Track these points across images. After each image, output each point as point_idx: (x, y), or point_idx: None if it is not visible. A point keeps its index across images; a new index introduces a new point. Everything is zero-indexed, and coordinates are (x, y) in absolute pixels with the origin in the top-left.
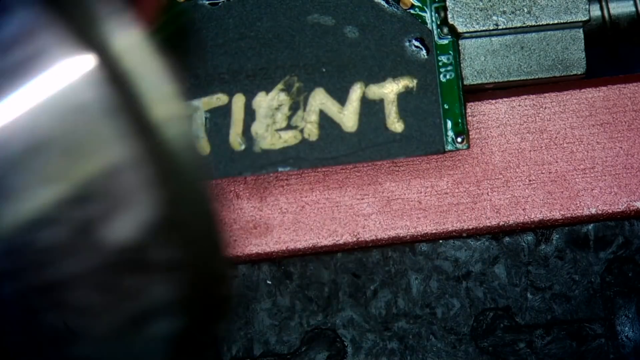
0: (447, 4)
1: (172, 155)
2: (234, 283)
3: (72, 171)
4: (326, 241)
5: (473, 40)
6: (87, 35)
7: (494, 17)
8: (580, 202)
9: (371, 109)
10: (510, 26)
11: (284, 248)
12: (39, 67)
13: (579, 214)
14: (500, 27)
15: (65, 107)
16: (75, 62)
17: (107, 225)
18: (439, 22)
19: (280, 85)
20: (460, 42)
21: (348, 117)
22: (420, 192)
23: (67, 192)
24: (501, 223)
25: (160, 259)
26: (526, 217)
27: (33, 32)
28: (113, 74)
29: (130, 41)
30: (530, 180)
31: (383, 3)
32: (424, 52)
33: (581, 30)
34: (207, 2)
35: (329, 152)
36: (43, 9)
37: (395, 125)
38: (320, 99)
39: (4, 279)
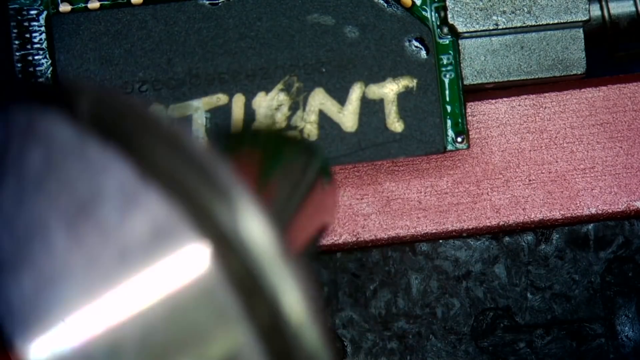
0: (447, 4)
1: None
2: None
3: None
4: (325, 241)
5: (473, 40)
6: (213, 227)
7: (494, 17)
8: (580, 202)
9: (371, 109)
10: (510, 26)
11: None
12: (160, 262)
13: (579, 214)
14: (500, 27)
15: (186, 307)
16: (200, 256)
17: None
18: (439, 22)
19: (280, 86)
20: (460, 42)
21: (348, 117)
22: (420, 192)
23: None
24: (501, 223)
25: None
26: (526, 217)
27: (161, 231)
28: (240, 270)
29: (259, 231)
30: (530, 180)
31: (383, 3)
32: (423, 52)
33: (581, 30)
34: (207, 2)
35: (328, 152)
36: (175, 201)
37: (395, 125)
38: (319, 99)
39: None
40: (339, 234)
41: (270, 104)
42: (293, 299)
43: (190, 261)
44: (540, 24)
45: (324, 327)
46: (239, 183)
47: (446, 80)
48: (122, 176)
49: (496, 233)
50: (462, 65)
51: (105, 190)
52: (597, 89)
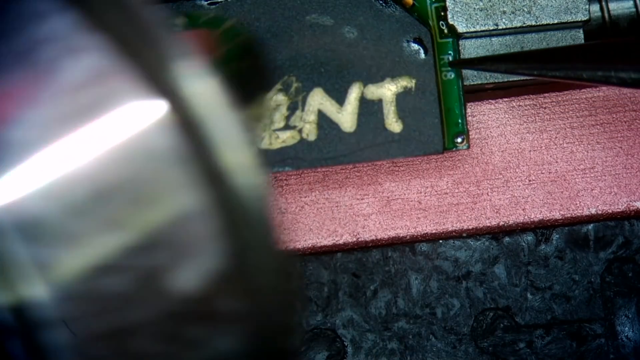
0: (447, 4)
1: (241, 205)
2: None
3: (138, 218)
4: (326, 241)
5: (473, 40)
6: (157, 80)
7: (494, 17)
8: (580, 202)
9: (370, 109)
10: (510, 26)
11: (284, 248)
12: (107, 111)
13: (579, 214)
14: (500, 27)
15: (133, 153)
16: (146, 107)
17: (173, 274)
18: (439, 22)
19: (278, 86)
20: (460, 42)
21: (347, 117)
22: (420, 192)
23: (133, 239)
24: (501, 223)
25: (226, 309)
26: (526, 217)
27: (103, 74)
28: (183, 120)
29: (201, 86)
30: (530, 180)
31: (382, 3)
32: (422, 52)
33: (581, 30)
34: (206, 2)
35: (327, 152)
36: (113, 51)
37: (394, 125)
38: (318, 99)
39: (61, 326)
40: (340, 234)
41: (268, 104)
42: (233, 146)
43: (133, 107)
44: (540, 24)
45: (262, 175)
46: (182, 40)
47: (446, 81)
48: (64, 22)
49: (496, 233)
50: None
51: (48, 35)
52: (597, 89)
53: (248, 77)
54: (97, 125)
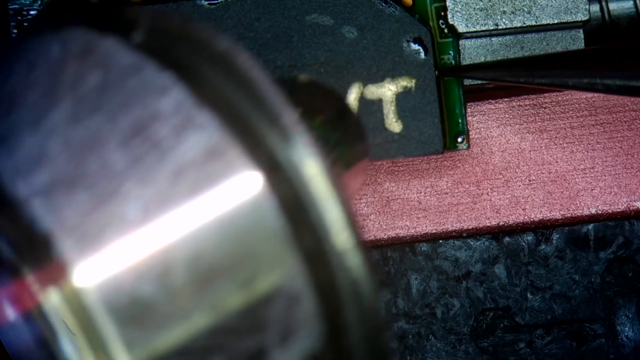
0: (447, 4)
1: (345, 287)
2: None
3: (237, 299)
4: None
5: (473, 40)
6: (269, 155)
7: (494, 17)
8: (580, 202)
9: (369, 109)
10: (510, 26)
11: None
12: (213, 189)
13: (579, 214)
14: (500, 27)
15: (236, 231)
16: (253, 183)
17: (271, 355)
18: (439, 22)
19: None
20: (460, 42)
21: None
22: (420, 192)
23: (231, 320)
24: (501, 223)
25: None
26: (526, 217)
27: (212, 152)
28: (292, 197)
29: (314, 164)
30: (530, 180)
31: (381, 3)
32: (422, 52)
33: (581, 30)
34: (206, 2)
35: None
36: (224, 126)
37: (394, 125)
38: None
39: None
40: None
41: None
42: (339, 227)
43: (241, 185)
44: (540, 24)
45: (368, 257)
46: (292, 113)
47: (446, 80)
48: (178, 98)
49: (496, 233)
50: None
51: (162, 111)
52: None
53: (347, 145)
54: (201, 203)
